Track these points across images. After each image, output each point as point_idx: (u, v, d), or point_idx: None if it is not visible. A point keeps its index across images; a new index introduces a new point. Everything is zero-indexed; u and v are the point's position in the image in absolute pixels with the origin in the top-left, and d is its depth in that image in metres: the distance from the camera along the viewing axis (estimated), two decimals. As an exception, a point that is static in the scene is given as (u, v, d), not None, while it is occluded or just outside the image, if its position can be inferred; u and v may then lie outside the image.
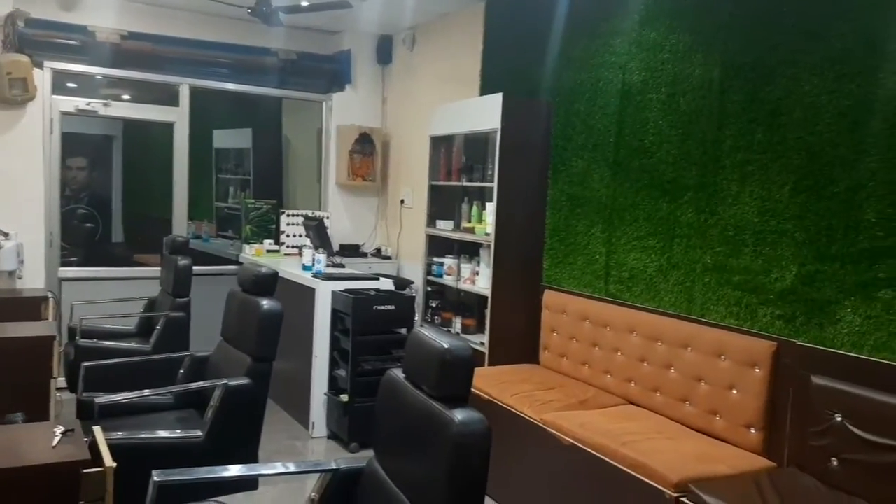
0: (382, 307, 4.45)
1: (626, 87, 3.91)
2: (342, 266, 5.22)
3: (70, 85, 5.63)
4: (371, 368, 4.39)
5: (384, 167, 6.48)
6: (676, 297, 3.59)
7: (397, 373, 2.04)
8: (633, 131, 3.86)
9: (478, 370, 4.13)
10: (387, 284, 4.80)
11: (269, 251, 5.88)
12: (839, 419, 2.70)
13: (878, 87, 2.72)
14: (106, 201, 7.35)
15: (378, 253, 6.31)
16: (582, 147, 4.22)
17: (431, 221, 5.06)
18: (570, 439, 3.22)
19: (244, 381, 3.11)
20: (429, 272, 5.08)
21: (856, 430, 2.63)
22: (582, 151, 4.22)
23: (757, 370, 3.07)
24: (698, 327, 3.40)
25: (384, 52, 6.38)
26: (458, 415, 1.75)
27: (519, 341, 4.46)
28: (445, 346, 1.81)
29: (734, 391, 3.16)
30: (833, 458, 2.71)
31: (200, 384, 3.29)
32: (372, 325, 4.43)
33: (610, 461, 2.99)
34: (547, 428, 3.37)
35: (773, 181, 3.11)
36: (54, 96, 5.37)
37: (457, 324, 4.83)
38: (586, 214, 4.18)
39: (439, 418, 1.79)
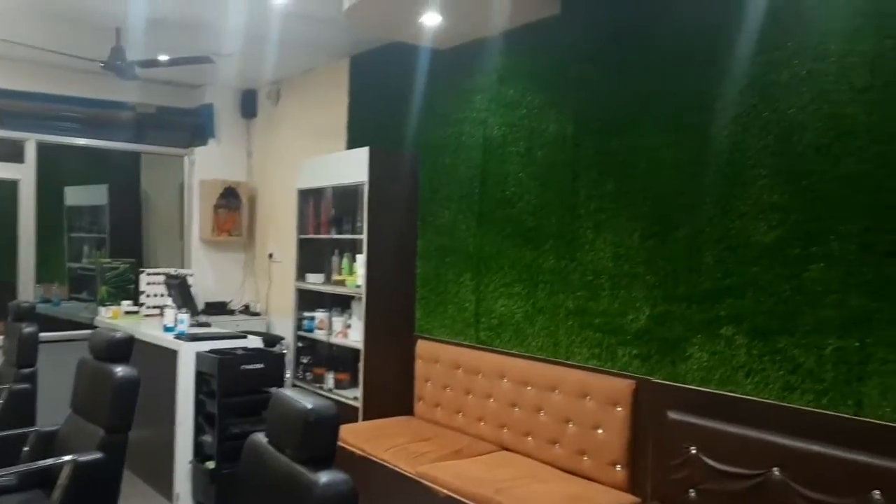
0: (250, 366, 4.28)
1: (487, 141, 4.07)
2: (207, 325, 5.00)
3: None
4: (240, 432, 4.18)
5: (251, 221, 6.34)
6: (543, 341, 3.70)
7: (260, 437, 1.96)
8: (496, 183, 4.00)
9: (351, 426, 4.09)
10: (255, 342, 4.63)
11: (127, 312, 5.55)
12: (694, 451, 2.85)
13: (709, 142, 2.97)
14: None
15: (246, 309, 6.12)
16: (448, 198, 4.32)
17: (301, 275, 4.98)
18: (446, 491, 3.21)
19: (96, 455, 2.89)
20: (299, 327, 4.97)
21: (709, 461, 2.79)
22: (448, 202, 4.32)
23: (619, 409, 3.20)
24: (564, 369, 3.51)
25: (248, 105, 6.31)
26: (323, 477, 1.70)
27: (394, 393, 4.43)
28: (308, 406, 1.76)
29: (599, 430, 3.27)
30: (691, 490, 2.85)
31: (47, 462, 3.02)
32: (239, 386, 4.24)
33: (485, 510, 3.00)
34: (422, 481, 3.35)
35: (624, 228, 3.31)
36: None
37: (329, 379, 4.73)
38: (455, 263, 4.26)
39: (302, 482, 1.73)
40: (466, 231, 4.19)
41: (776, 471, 2.58)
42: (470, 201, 4.17)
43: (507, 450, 3.73)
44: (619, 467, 3.18)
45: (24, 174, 5.50)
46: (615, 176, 3.36)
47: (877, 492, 2.32)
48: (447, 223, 4.32)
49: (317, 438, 1.75)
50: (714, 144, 2.96)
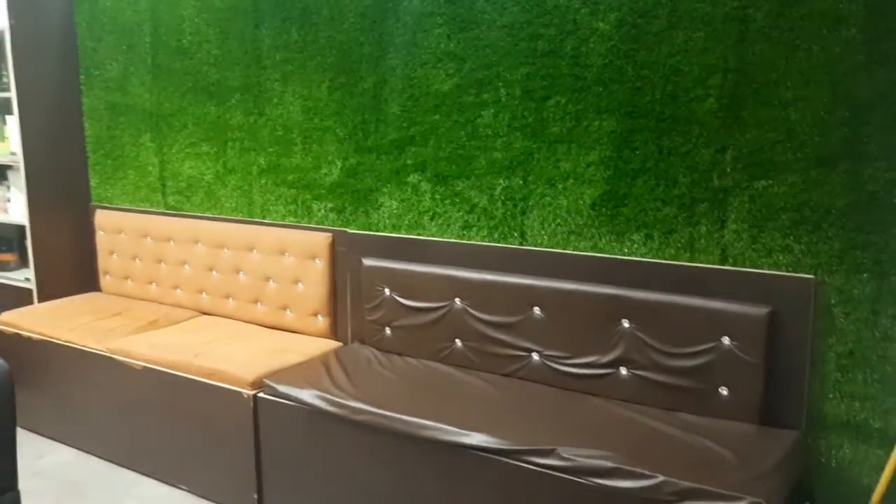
0: None
1: (155, -19, 3.60)
2: None
3: None
4: None
5: None
6: (237, 202, 3.57)
7: None
8: (170, 30, 3.60)
9: (24, 309, 3.66)
10: None
11: None
12: (388, 293, 3.03)
13: (389, -12, 2.95)
14: None
15: None
16: (115, 48, 3.81)
17: (-65, 144, 4.13)
18: (141, 363, 3.05)
19: None
20: (-57, 207, 4.19)
21: (400, 300, 3.00)
22: (116, 53, 3.82)
23: (318, 262, 3.25)
24: (261, 228, 3.45)
25: None
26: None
27: (73, 270, 4.01)
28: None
29: (300, 284, 3.32)
30: (386, 328, 3.06)
31: None
32: None
33: (186, 375, 2.92)
34: (115, 356, 3.14)
35: (312, 80, 3.22)
36: None
37: (-8, 263, 4.12)
38: (131, 123, 3.84)
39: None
40: (141, 86, 3.77)
41: (457, 300, 2.86)
42: (141, 51, 3.72)
43: (208, 314, 3.63)
44: (320, 317, 3.28)
45: None
46: (299, 23, 3.21)
47: (537, 308, 2.69)
48: (117, 77, 3.84)
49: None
50: (394, -9, 2.94)
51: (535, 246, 2.78)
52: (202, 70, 3.54)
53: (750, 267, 2.38)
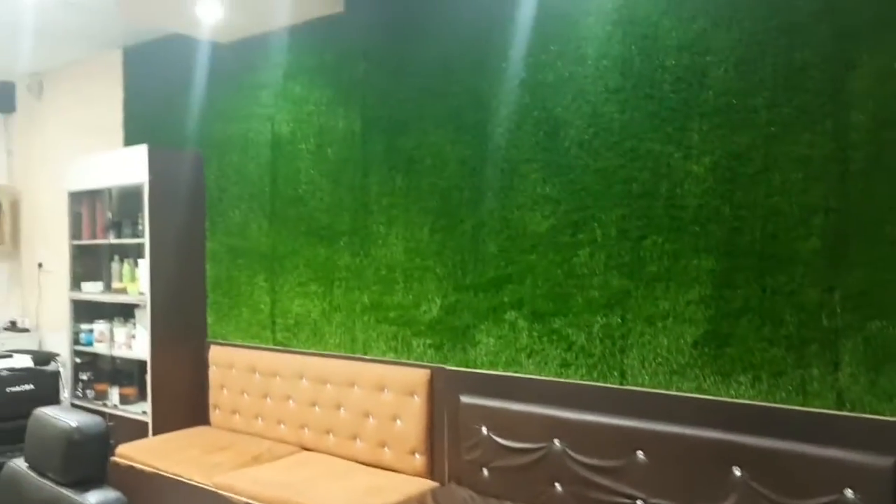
0: (19, 388, 3.89)
1: (276, 137, 3.98)
2: (-36, 346, 4.43)
3: None
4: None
5: (15, 228, 5.68)
6: (340, 338, 3.70)
7: (18, 463, 1.77)
8: (287, 180, 3.93)
9: (139, 443, 3.83)
10: (24, 361, 4.19)
11: None
12: (485, 432, 3.00)
13: (488, 138, 3.14)
14: None
15: (13, 326, 5.48)
16: (238, 197, 4.17)
17: (76, 285, 4.56)
18: (244, 499, 3.10)
19: None
20: (76, 341, 4.55)
21: (498, 440, 2.96)
22: (238, 202, 4.17)
23: (416, 398, 3.29)
24: (362, 364, 3.54)
25: (5, 99, 5.64)
26: (92, 498, 1.58)
27: (186, 404, 4.20)
28: (73, 424, 1.62)
29: (398, 421, 3.34)
30: (483, 468, 3.01)
31: None
32: (6, 410, 3.82)
33: (285, 513, 2.94)
34: (219, 491, 3.21)
35: (415, 222, 3.40)
36: None
37: (114, 395, 4.38)
38: (248, 265, 4.13)
39: (70, 506, 1.59)
40: (259, 231, 4.07)
41: (556, 441, 2.80)
42: (261, 200, 4.06)
43: (308, 450, 3.69)
44: (417, 455, 3.27)
45: None
46: (404, 172, 3.44)
47: (640, 452, 2.59)
48: (238, 223, 4.18)
49: (83, 458, 1.62)
50: (492, 141, 3.13)
51: (636, 386, 2.72)
52: (314, 216, 3.81)
53: (870, 413, 2.23)
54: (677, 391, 2.61)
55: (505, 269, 3.10)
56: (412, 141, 3.40)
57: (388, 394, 3.39)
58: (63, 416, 1.67)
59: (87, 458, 1.63)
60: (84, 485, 1.62)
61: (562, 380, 2.90)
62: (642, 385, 2.71)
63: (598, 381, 2.82)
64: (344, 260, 3.69)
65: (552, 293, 2.95)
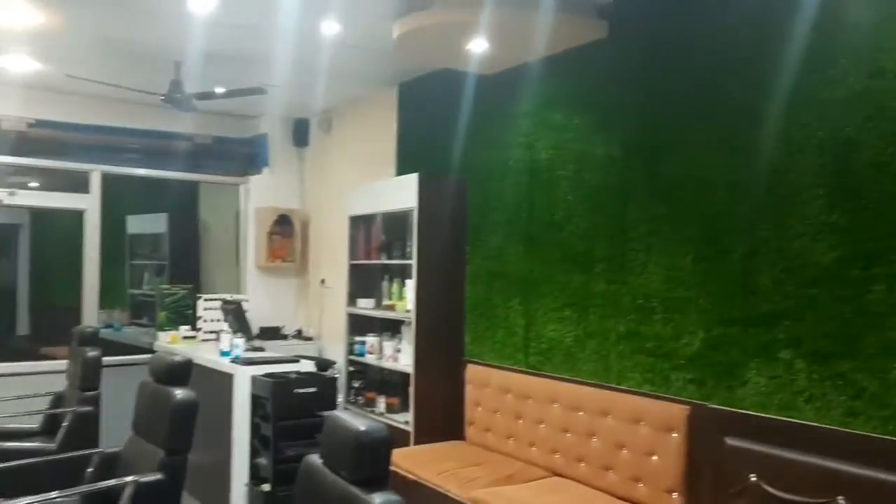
0: (303, 390, 4.34)
1: (534, 164, 4.08)
2: (262, 350, 5.09)
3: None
4: (294, 454, 4.23)
5: (304, 248, 6.46)
6: (594, 366, 3.66)
7: (315, 458, 1.99)
8: (544, 206, 4.00)
9: (403, 450, 4.10)
10: (308, 366, 4.70)
11: (185, 338, 5.69)
12: (754, 479, 2.77)
13: (761, 161, 2.93)
14: (9, 292, 7.00)
15: (299, 335, 6.21)
16: (496, 223, 4.34)
17: (352, 300, 5.04)
18: (497, 516, 3.19)
19: (157, 476, 2.96)
20: (351, 352, 5.03)
21: (770, 489, 2.71)
22: (497, 227, 4.33)
23: (674, 434, 3.14)
24: (616, 394, 3.47)
25: (301, 134, 6.47)
26: (377, 498, 1.72)
27: (444, 418, 4.43)
28: (361, 428, 1.79)
29: (654, 457, 3.21)
30: (750, 518, 2.77)
31: (109, 483, 3.10)
32: (293, 409, 4.30)
33: (537, 536, 2.96)
34: (474, 506, 3.33)
35: (676, 251, 3.27)
36: (-46, 186, 5.17)
37: (381, 403, 4.76)
38: (504, 288, 4.26)
39: (357, 503, 1.75)
40: (515, 255, 4.19)
41: (841, 500, 2.49)
42: (518, 225, 4.18)
43: (560, 475, 3.68)
44: (675, 495, 3.11)
45: (89, 204, 5.73)
46: (665, 198, 3.33)
47: (949, 523, 2.22)
48: (496, 247, 4.34)
49: (369, 459, 1.77)
50: (766, 164, 2.91)
51: (946, 446, 2.34)
52: (570, 241, 3.83)
53: None
54: None
55: (780, 303, 2.85)
56: (675, 165, 3.29)
57: (643, 427, 3.28)
58: (353, 420, 1.85)
59: (373, 460, 1.78)
60: (369, 485, 1.78)
61: (848, 430, 2.59)
62: (954, 445, 2.32)
63: (894, 435, 2.47)
64: (599, 287, 3.65)
65: (838, 333, 2.65)
